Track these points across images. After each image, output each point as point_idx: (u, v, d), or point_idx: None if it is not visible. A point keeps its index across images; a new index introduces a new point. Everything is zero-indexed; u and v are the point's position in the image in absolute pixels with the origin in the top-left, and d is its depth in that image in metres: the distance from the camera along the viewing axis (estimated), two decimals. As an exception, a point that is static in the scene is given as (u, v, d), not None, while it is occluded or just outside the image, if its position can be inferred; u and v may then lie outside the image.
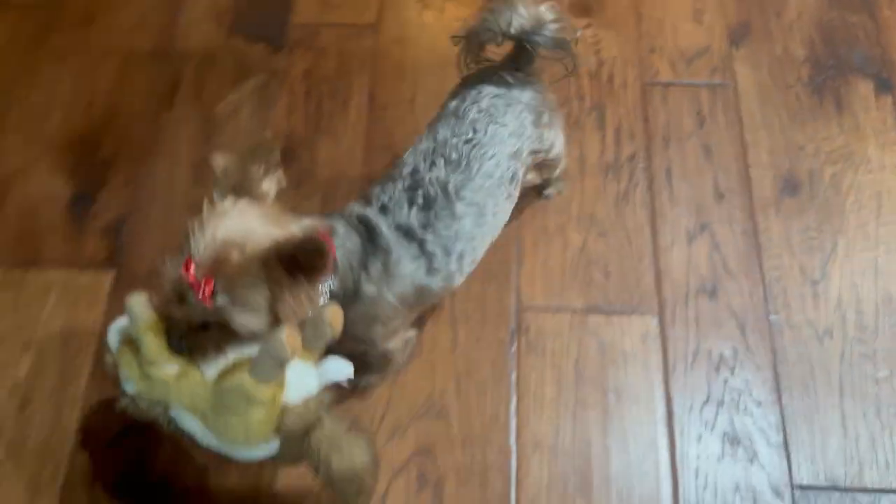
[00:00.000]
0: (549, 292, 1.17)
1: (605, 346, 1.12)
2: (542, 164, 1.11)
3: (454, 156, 0.94)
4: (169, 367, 0.80)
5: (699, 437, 1.06)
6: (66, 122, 1.34)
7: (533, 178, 1.15)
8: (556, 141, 1.09)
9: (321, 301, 0.84)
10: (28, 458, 1.04)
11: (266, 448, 0.82)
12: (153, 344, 0.80)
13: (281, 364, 0.78)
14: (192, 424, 0.82)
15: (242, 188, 0.80)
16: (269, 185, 0.83)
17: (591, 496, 1.03)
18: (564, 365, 1.11)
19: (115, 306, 1.14)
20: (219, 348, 0.80)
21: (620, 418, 1.08)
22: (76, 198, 1.27)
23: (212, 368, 0.80)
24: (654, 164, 1.28)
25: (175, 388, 0.80)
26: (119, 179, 1.28)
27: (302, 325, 0.82)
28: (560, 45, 0.99)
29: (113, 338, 0.85)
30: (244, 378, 0.78)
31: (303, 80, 1.37)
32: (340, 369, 0.85)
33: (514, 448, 1.06)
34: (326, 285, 0.85)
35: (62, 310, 1.16)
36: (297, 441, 0.82)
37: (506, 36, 0.97)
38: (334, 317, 0.84)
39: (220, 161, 0.81)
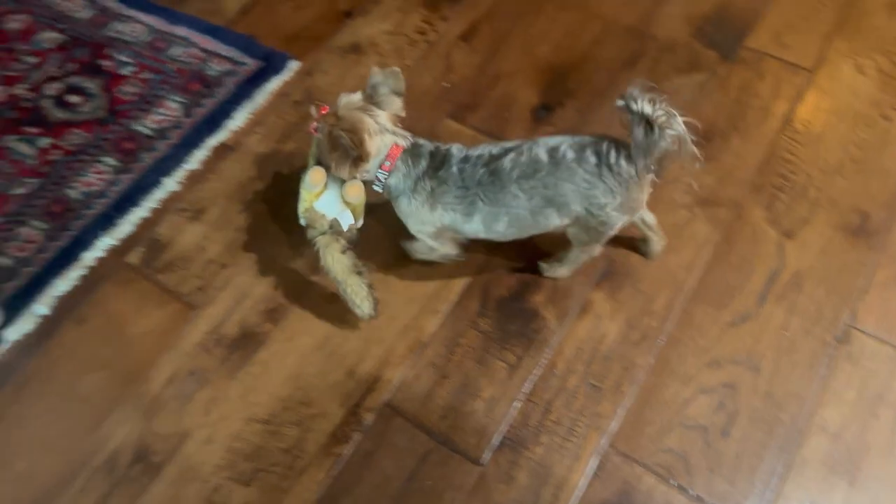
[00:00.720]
0: (882, 325, 1.37)
1: (914, 386, 1.31)
2: (584, 229, 1.26)
3: (536, 163, 1.20)
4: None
5: (970, 491, 1.21)
6: (551, 52, 1.77)
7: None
8: (605, 216, 1.22)
9: (366, 178, 1.30)
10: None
11: (301, 220, 1.34)
12: None
13: (308, 186, 1.31)
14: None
15: (376, 91, 1.26)
16: (392, 100, 1.27)
17: (853, 487, 1.23)
18: (872, 383, 1.31)
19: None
20: (317, 158, 1.33)
21: (904, 443, 1.26)
22: (540, 106, 1.69)
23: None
24: None
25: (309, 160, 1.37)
26: (573, 106, 1.69)
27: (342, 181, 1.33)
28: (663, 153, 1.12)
29: None
30: (304, 177, 1.33)
31: (736, 89, 1.68)
32: (347, 220, 1.34)
33: (804, 420, 1.29)
34: (380, 175, 1.27)
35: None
36: (308, 229, 1.33)
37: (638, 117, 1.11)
38: (349, 188, 1.32)
39: (375, 71, 1.27)
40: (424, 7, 1.87)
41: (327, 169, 1.30)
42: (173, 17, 1.89)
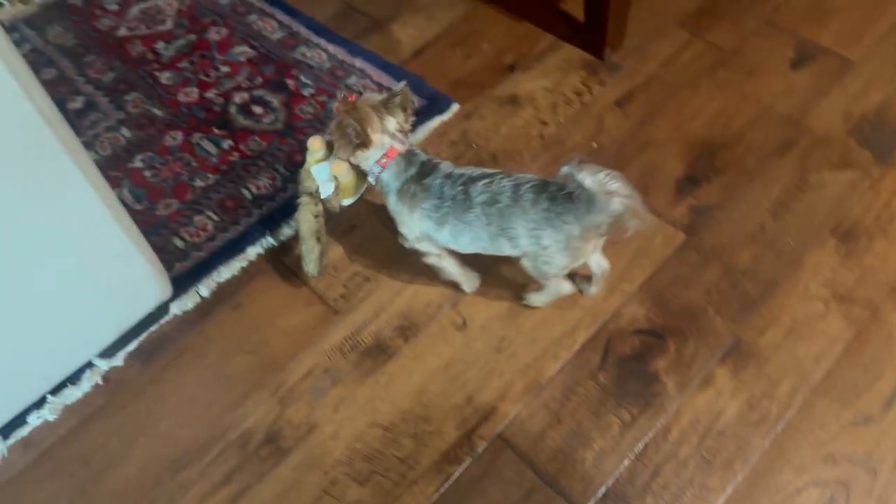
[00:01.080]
0: None
1: None
2: (532, 262, 1.41)
3: (500, 194, 1.34)
4: None
5: None
6: (703, 128, 1.83)
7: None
8: (547, 257, 1.37)
9: (363, 167, 1.47)
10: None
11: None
12: None
13: (310, 150, 1.52)
14: None
15: (391, 100, 1.43)
16: (397, 111, 1.43)
17: None
18: None
19: (673, 263, 1.61)
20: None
21: None
22: (685, 178, 1.74)
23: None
24: None
25: None
26: (719, 182, 1.73)
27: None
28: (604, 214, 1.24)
29: None
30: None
31: (888, 192, 1.67)
32: (326, 191, 1.52)
33: (920, 534, 1.27)
34: (375, 169, 1.44)
35: (637, 241, 1.64)
36: (299, 184, 1.57)
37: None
38: (334, 165, 1.47)
39: (400, 84, 1.44)
40: (584, 70, 1.98)
41: (330, 147, 1.51)
42: (354, 49, 2.08)
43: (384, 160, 1.43)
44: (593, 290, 1.56)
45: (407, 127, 1.46)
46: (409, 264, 1.65)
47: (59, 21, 2.28)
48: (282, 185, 1.81)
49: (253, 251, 1.71)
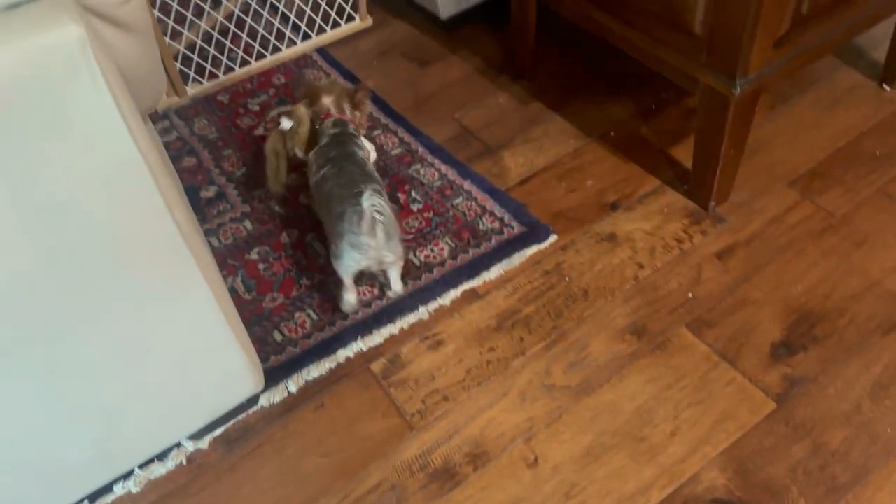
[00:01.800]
0: None
1: None
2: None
3: (344, 186, 1.75)
4: None
5: None
6: (805, 293, 1.79)
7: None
8: (335, 247, 1.75)
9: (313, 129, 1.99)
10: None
11: None
12: None
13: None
14: None
15: (353, 92, 2.00)
16: (346, 100, 1.98)
17: None
18: None
19: (759, 433, 1.56)
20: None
21: None
22: (781, 343, 1.71)
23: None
24: None
25: None
26: (817, 354, 1.68)
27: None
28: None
29: None
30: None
31: None
32: (287, 124, 1.99)
33: None
34: (317, 122, 1.98)
35: (725, 403, 1.61)
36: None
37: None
38: (297, 108, 1.99)
39: (366, 84, 2.14)
40: (687, 218, 2.00)
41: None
42: (464, 171, 2.20)
43: (325, 118, 1.95)
44: (391, 289, 1.90)
45: (357, 114, 1.99)
46: (489, 391, 1.68)
47: (206, 114, 2.53)
48: (379, 293, 1.90)
49: (343, 354, 1.79)
